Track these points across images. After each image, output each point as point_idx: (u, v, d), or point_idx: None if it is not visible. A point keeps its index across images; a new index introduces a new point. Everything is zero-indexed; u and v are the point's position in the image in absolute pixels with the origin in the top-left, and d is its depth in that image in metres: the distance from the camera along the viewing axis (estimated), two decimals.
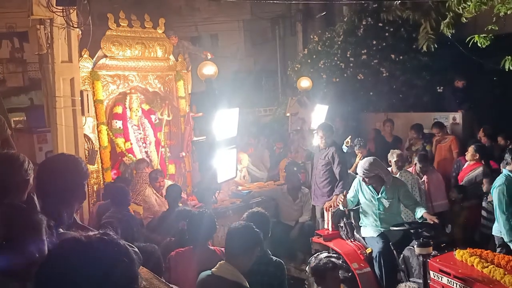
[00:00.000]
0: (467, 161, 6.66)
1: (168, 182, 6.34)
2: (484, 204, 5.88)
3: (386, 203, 5.02)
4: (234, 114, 5.30)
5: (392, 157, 6.17)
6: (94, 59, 6.48)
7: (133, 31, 6.80)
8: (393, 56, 9.03)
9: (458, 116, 8.56)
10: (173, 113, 7.35)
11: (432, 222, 4.59)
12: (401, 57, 9.04)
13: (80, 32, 5.93)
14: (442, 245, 4.58)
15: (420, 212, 4.85)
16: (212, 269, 3.01)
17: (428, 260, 4.29)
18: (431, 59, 8.82)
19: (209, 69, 5.34)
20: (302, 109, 7.75)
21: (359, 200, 5.20)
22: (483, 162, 6.50)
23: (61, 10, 5.31)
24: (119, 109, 6.82)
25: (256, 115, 11.40)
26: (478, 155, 6.48)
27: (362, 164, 5.07)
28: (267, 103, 12.64)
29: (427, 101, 9.02)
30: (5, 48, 11.17)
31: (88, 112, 6.03)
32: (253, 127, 9.75)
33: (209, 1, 14.44)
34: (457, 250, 4.33)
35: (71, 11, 5.41)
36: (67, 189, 2.36)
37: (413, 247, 4.40)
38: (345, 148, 6.84)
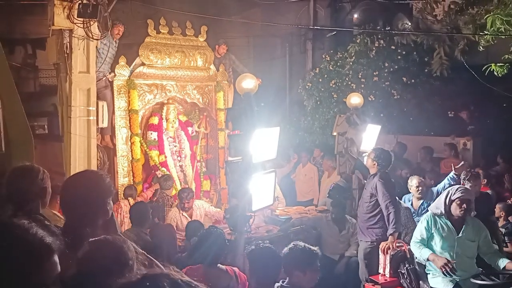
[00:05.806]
0: None
1: (196, 202, 5.98)
2: None
3: (466, 245, 4.21)
4: (274, 134, 4.78)
5: None
6: (131, 67, 6.29)
7: (173, 39, 6.54)
8: (404, 79, 9.05)
9: (469, 142, 8.55)
10: (211, 126, 7.07)
11: None
12: (412, 81, 9.06)
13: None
14: None
15: (503, 262, 4.12)
16: None
17: None
18: (443, 83, 8.84)
19: (248, 82, 4.73)
20: (351, 129, 7.07)
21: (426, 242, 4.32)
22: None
23: (81, 22, 5.39)
24: (155, 120, 6.54)
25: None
26: (486, 180, 6.40)
27: (456, 189, 4.25)
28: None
29: (437, 125, 9.01)
30: (18, 54, 11.19)
31: (102, 122, 6.03)
32: None
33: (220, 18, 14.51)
34: None
35: (92, 23, 5.49)
36: (90, 206, 2.38)
37: None
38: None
